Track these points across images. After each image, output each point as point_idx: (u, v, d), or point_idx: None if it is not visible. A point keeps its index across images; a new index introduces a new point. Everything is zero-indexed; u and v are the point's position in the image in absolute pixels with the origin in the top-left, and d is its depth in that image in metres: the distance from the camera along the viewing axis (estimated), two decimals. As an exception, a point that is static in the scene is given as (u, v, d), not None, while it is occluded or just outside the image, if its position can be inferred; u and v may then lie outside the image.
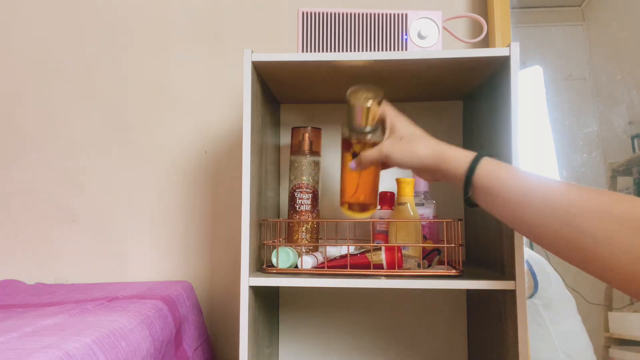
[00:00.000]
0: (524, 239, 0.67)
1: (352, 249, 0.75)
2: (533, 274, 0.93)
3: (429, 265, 0.75)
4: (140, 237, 1.04)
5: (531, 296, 0.92)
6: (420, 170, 0.64)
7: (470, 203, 0.61)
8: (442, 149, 0.62)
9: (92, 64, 1.08)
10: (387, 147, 0.64)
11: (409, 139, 0.64)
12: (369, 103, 0.65)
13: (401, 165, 0.64)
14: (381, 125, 0.68)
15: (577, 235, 0.49)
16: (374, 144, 0.67)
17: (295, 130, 0.84)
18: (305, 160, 0.82)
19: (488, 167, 0.57)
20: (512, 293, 0.67)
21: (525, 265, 0.92)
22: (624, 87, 0.97)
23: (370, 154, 0.66)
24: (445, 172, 0.61)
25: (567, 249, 0.51)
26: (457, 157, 0.60)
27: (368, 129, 0.67)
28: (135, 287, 0.93)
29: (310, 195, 0.81)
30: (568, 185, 0.52)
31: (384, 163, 0.68)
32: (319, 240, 0.81)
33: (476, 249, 0.87)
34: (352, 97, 0.66)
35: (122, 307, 0.73)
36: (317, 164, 0.83)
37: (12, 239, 1.07)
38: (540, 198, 0.52)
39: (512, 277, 0.67)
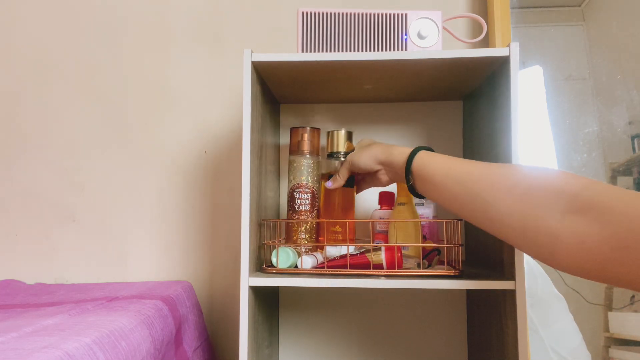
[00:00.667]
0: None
1: (351, 249, 0.75)
2: None
3: (429, 265, 0.75)
4: (140, 237, 1.04)
5: None
6: (378, 169, 0.73)
7: (414, 193, 0.68)
8: (392, 147, 0.71)
9: (92, 64, 1.08)
10: (350, 157, 0.76)
11: (366, 147, 0.75)
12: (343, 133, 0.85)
13: (362, 167, 0.74)
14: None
15: (485, 206, 0.56)
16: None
17: (294, 130, 0.84)
18: (304, 160, 0.82)
19: (423, 157, 0.65)
20: (511, 293, 0.67)
21: None
22: (624, 87, 0.97)
23: (341, 168, 0.78)
24: (394, 165, 0.69)
25: (482, 221, 0.58)
26: (402, 151, 0.69)
27: (342, 153, 0.84)
28: (135, 287, 0.93)
29: (309, 195, 0.81)
30: (482, 165, 0.60)
31: (358, 184, 0.81)
32: (319, 240, 0.81)
33: (476, 249, 0.87)
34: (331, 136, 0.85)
35: (122, 307, 0.73)
36: (316, 164, 0.83)
37: (12, 239, 1.07)
38: (457, 178, 0.60)
39: (511, 277, 0.67)
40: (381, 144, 0.74)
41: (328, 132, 0.86)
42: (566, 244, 0.48)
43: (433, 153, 0.66)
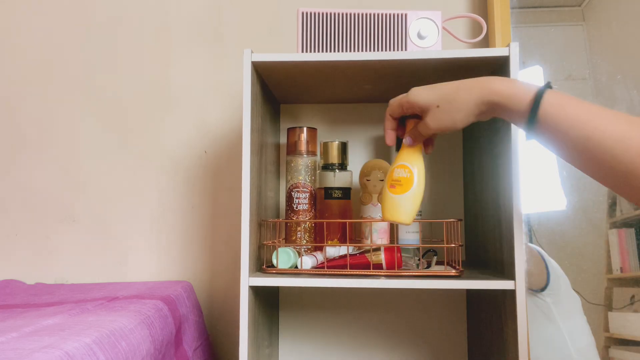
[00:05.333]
0: (524, 238, 0.67)
1: (351, 249, 0.75)
2: (547, 268, 0.93)
3: (428, 266, 0.75)
4: (140, 237, 1.04)
5: (543, 290, 0.92)
6: (478, 119, 0.61)
7: (531, 137, 0.57)
8: (490, 85, 0.57)
9: (93, 64, 1.08)
10: (433, 122, 0.61)
11: (446, 103, 0.60)
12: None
13: (458, 128, 0.61)
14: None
15: (631, 179, 0.48)
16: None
17: (291, 131, 0.85)
18: (302, 160, 0.82)
19: (555, 104, 0.53)
20: (512, 293, 0.67)
21: (541, 259, 0.93)
22: (624, 87, 0.97)
23: (423, 130, 0.64)
24: (510, 109, 0.57)
25: (619, 186, 0.50)
26: (523, 89, 0.55)
27: (336, 165, 0.82)
28: (135, 287, 0.93)
29: (307, 194, 0.81)
30: (632, 125, 0.49)
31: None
32: (318, 240, 0.81)
33: (476, 249, 0.87)
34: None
35: (122, 307, 0.73)
36: (313, 164, 0.83)
37: (12, 239, 1.07)
38: (603, 144, 0.50)
39: (511, 276, 0.67)
40: (469, 89, 0.59)
41: (322, 143, 0.85)
42: None
43: (564, 97, 0.53)
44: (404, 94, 0.65)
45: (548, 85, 0.55)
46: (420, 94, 0.62)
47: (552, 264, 0.94)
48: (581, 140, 0.51)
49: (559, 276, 0.93)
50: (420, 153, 0.68)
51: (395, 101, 0.66)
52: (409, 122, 0.67)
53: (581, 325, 0.93)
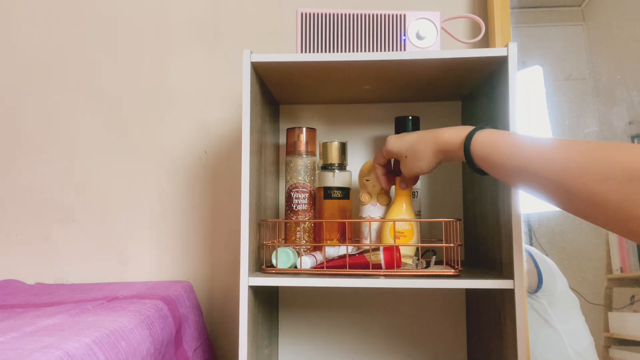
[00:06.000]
0: (523, 238, 0.67)
1: (350, 249, 0.75)
2: (537, 269, 0.93)
3: (427, 266, 0.75)
4: (140, 237, 1.04)
5: (535, 291, 0.92)
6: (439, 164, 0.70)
7: (480, 172, 0.64)
8: (439, 134, 0.66)
9: (93, 64, 1.08)
10: (406, 170, 0.72)
11: (411, 155, 0.70)
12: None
13: (425, 173, 0.71)
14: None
15: (570, 196, 0.51)
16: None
17: (290, 131, 0.85)
18: (301, 161, 0.82)
19: (485, 142, 0.60)
20: (510, 292, 0.67)
21: (530, 259, 0.93)
22: (624, 87, 0.97)
23: (404, 180, 0.77)
24: (451, 155, 0.66)
25: (566, 206, 0.53)
26: (455, 136, 0.64)
27: (336, 165, 0.84)
28: (135, 287, 0.93)
29: (307, 194, 0.81)
30: (559, 149, 0.53)
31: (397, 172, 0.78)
32: (317, 240, 0.82)
33: (475, 248, 0.87)
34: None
35: (122, 307, 0.74)
36: (313, 164, 0.83)
37: (12, 238, 1.07)
38: (533, 168, 0.54)
39: (510, 276, 0.67)
40: (425, 145, 0.68)
41: (321, 144, 0.85)
42: None
43: (492, 133, 0.60)
44: (384, 146, 0.75)
45: (482, 127, 0.62)
46: (394, 144, 0.73)
47: (547, 264, 0.93)
48: (516, 170, 0.56)
49: (554, 276, 0.93)
50: (409, 196, 0.78)
51: (379, 152, 0.77)
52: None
53: (580, 327, 0.93)
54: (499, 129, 0.63)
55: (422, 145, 0.68)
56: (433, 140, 0.67)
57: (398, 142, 0.73)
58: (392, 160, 0.80)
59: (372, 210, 0.82)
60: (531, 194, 0.57)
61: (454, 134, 0.64)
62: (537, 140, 0.56)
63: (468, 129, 0.63)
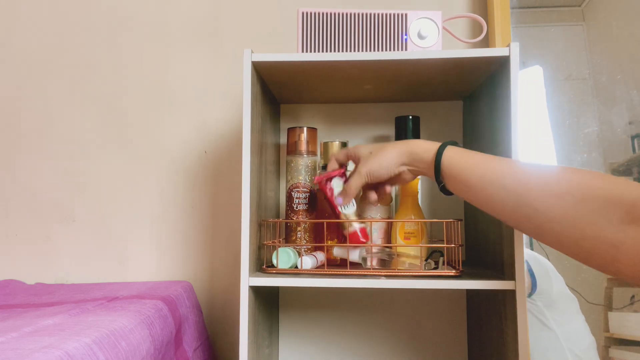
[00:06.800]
0: (524, 239, 0.67)
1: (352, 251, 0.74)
2: (531, 273, 0.93)
3: (436, 267, 0.75)
4: (140, 237, 1.04)
5: (529, 295, 0.92)
6: (402, 170, 0.68)
7: (445, 191, 0.65)
8: (411, 144, 0.67)
9: (93, 64, 1.08)
10: (364, 168, 0.69)
11: (378, 151, 0.69)
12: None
13: (383, 174, 0.68)
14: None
15: (530, 212, 0.53)
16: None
17: (290, 131, 0.85)
18: (302, 160, 0.82)
19: (453, 157, 0.62)
20: (512, 293, 0.67)
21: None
22: (624, 87, 0.97)
23: (353, 180, 0.70)
24: (420, 165, 0.66)
25: (526, 228, 0.56)
26: (427, 149, 0.65)
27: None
28: (135, 287, 0.93)
29: (307, 194, 0.81)
30: (523, 167, 0.57)
31: (377, 190, 0.73)
32: (318, 240, 0.81)
33: (476, 249, 0.87)
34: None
35: (122, 307, 0.73)
36: (313, 164, 0.83)
37: (12, 239, 1.07)
38: (497, 182, 0.57)
39: (511, 277, 0.67)
40: (394, 144, 0.69)
41: (322, 143, 0.85)
42: (628, 254, 0.46)
43: (463, 150, 0.63)
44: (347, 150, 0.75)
45: (451, 143, 0.64)
46: (361, 147, 0.73)
47: (541, 266, 0.93)
48: (480, 183, 0.58)
49: (550, 278, 0.93)
50: (416, 197, 0.78)
51: (342, 151, 0.75)
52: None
53: (580, 328, 0.92)
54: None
55: (391, 146, 0.69)
56: (404, 144, 0.68)
57: (367, 146, 0.73)
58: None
59: (373, 210, 0.82)
60: (491, 212, 0.60)
61: (427, 146, 0.65)
62: (502, 158, 0.59)
63: (438, 143, 0.65)
